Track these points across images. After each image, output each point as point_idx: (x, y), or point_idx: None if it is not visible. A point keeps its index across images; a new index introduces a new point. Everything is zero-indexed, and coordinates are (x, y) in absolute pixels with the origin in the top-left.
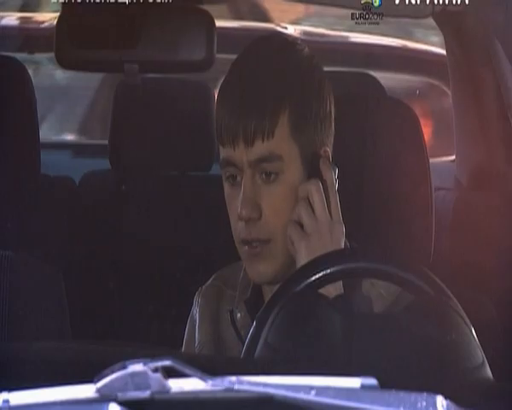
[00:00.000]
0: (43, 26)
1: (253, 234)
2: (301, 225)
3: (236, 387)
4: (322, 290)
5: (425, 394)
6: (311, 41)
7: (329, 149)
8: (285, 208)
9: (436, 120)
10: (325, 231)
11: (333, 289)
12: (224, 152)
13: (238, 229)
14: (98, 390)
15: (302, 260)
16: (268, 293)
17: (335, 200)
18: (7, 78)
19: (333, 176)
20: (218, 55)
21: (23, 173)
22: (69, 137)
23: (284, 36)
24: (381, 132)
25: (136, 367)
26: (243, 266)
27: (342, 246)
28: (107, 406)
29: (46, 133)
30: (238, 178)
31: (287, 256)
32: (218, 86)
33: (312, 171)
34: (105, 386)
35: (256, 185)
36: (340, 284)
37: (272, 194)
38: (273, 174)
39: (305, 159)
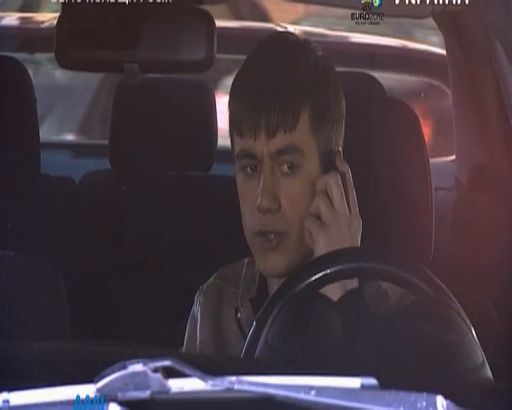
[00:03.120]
0: (43, 26)
1: (269, 226)
2: (319, 218)
3: (236, 387)
4: (326, 289)
5: (425, 394)
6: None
7: (341, 150)
8: (302, 202)
9: (436, 120)
10: (344, 223)
11: (339, 289)
12: (242, 143)
13: (253, 220)
14: (98, 390)
15: (320, 250)
16: (274, 290)
17: (353, 194)
18: (7, 78)
19: (349, 171)
20: (218, 55)
21: (23, 173)
22: (69, 137)
23: (298, 36)
24: (381, 132)
25: (136, 367)
26: (245, 263)
27: (359, 240)
28: (107, 406)
29: (46, 133)
30: (257, 170)
31: (300, 251)
32: (218, 86)
33: (329, 167)
34: (105, 386)
35: (275, 177)
36: (344, 283)
37: (291, 186)
38: (293, 166)
39: (322, 156)
